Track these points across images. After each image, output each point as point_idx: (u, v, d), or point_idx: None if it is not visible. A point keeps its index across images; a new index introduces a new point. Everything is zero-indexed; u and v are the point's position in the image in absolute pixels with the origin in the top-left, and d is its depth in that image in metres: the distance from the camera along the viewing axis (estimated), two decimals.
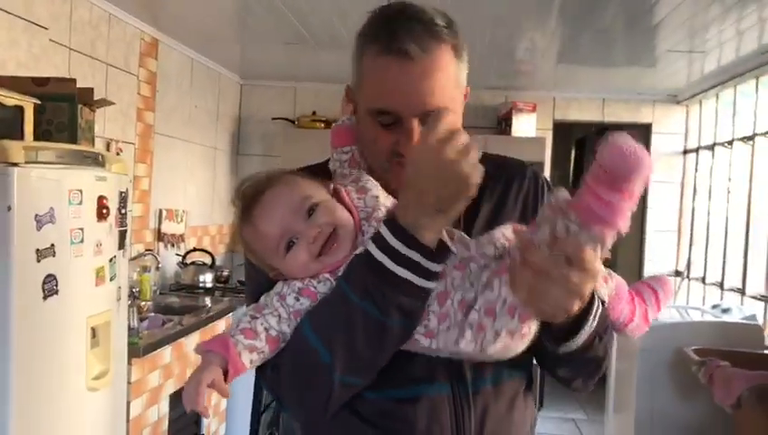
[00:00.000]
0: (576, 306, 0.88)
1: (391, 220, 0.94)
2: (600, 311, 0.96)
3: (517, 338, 0.93)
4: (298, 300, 0.98)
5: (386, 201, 1.05)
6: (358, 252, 0.98)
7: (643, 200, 5.49)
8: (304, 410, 1.03)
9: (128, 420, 2.72)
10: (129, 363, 2.63)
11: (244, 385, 4.06)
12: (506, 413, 1.08)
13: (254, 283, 1.10)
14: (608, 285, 1.06)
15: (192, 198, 4.67)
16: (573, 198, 0.87)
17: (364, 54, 1.07)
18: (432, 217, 0.91)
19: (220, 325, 3.79)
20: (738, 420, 3.14)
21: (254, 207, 1.03)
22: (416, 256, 0.92)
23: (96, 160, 2.06)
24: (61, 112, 2.17)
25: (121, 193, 2.18)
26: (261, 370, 1.02)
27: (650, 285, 1.14)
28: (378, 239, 0.94)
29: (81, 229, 1.95)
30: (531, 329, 0.93)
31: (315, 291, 0.99)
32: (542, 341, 0.98)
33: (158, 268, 3.94)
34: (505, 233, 0.98)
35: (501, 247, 0.96)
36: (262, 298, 1.01)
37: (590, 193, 0.84)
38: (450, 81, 1.05)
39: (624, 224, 0.85)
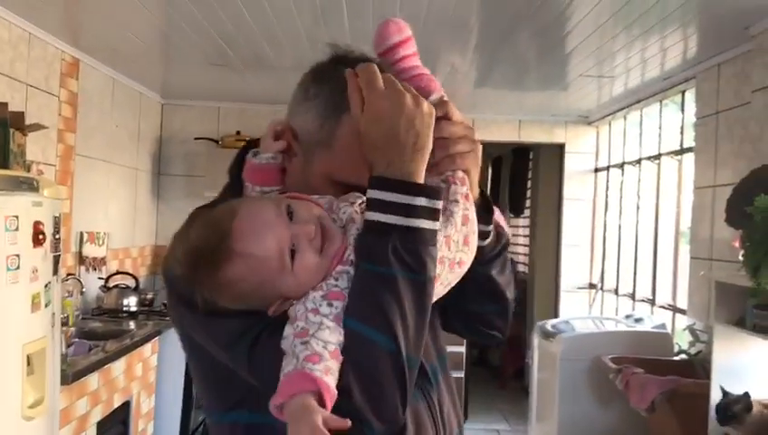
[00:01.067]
0: (477, 148, 1.05)
1: (381, 181, 0.92)
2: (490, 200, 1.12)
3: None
4: (331, 305, 0.90)
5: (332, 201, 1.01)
6: (355, 232, 0.94)
7: (558, 217, 5.74)
8: (388, 415, 0.91)
9: None
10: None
11: (172, 409, 4.01)
12: (449, 400, 1.14)
13: (242, 326, 0.94)
14: None
15: (113, 220, 4.58)
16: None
17: (347, 118, 0.99)
18: (414, 159, 0.94)
19: (146, 349, 3.73)
20: (652, 423, 3.34)
21: (233, 241, 0.90)
22: (422, 201, 0.92)
23: (31, 186, 2.03)
24: None
25: (55, 218, 2.15)
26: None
27: None
28: (377, 206, 0.92)
29: (18, 256, 1.92)
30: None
31: (340, 290, 0.91)
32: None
33: (81, 293, 3.84)
34: None
35: None
36: (287, 328, 0.90)
37: (407, 79, 1.02)
38: None
39: (433, 84, 1.06)
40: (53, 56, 3.66)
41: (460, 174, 1.03)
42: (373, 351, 0.89)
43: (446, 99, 1.05)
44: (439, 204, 0.94)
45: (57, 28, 3.52)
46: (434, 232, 0.93)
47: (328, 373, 0.85)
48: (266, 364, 0.90)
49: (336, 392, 0.84)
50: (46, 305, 2.08)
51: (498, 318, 1.19)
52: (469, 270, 1.05)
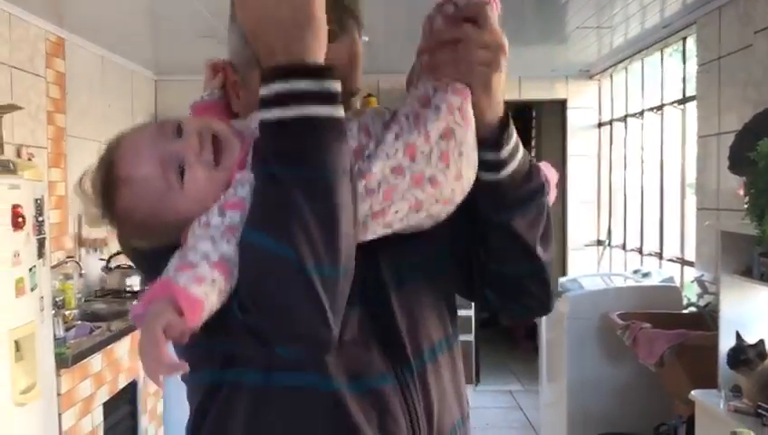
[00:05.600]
0: (501, 62, 0.92)
1: (264, 76, 0.81)
2: (513, 130, 0.99)
3: (466, 121, 0.90)
4: (224, 215, 0.82)
5: None
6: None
7: (562, 174, 5.65)
8: (304, 335, 0.81)
9: (60, 433, 2.65)
10: (58, 375, 2.55)
11: (182, 384, 4.00)
12: (446, 385, 1.02)
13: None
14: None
15: None
16: None
17: None
18: (299, 37, 0.80)
19: None
20: (662, 377, 3.30)
21: (118, 169, 0.86)
22: (304, 84, 0.79)
23: (7, 168, 1.98)
24: None
25: (37, 200, 2.11)
26: (226, 327, 0.84)
27: None
28: (263, 102, 0.81)
29: None
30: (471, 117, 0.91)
31: (238, 198, 0.83)
32: (486, 185, 0.95)
33: (81, 275, 3.82)
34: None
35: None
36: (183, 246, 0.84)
37: None
38: None
39: None
40: (36, 36, 3.59)
41: (459, 85, 0.91)
42: (269, 260, 0.78)
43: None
44: (333, 84, 0.80)
45: (39, 8, 3.44)
46: (333, 120, 0.80)
47: (201, 283, 0.78)
48: None
49: (201, 300, 0.77)
50: (32, 289, 2.05)
51: (531, 281, 1.03)
52: (490, 220, 0.97)
